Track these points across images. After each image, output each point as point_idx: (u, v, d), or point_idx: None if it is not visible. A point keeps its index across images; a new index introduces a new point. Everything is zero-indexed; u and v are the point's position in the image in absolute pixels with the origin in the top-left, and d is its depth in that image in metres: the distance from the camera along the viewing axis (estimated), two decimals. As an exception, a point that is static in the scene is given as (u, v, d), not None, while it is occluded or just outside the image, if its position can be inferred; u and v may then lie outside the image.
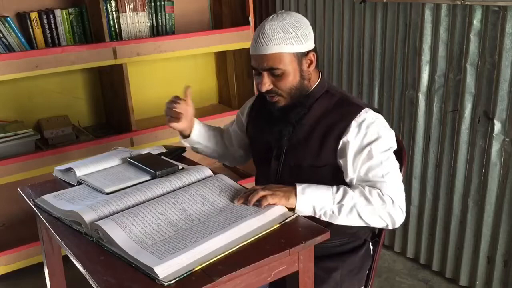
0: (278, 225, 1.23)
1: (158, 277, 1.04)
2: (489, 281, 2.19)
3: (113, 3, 2.54)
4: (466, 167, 2.18)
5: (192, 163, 1.68)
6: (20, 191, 1.55)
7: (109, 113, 2.84)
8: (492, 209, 2.11)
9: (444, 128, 2.23)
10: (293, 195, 1.31)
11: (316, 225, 1.24)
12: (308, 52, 1.42)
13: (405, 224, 2.51)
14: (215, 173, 1.52)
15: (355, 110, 1.42)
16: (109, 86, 2.72)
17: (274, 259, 1.12)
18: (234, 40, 2.74)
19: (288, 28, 1.37)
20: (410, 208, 2.46)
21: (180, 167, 1.58)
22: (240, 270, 1.07)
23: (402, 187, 1.42)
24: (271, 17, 1.41)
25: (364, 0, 2.43)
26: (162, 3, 2.71)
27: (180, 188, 1.41)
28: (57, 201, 1.39)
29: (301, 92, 1.44)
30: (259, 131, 1.58)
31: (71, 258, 1.18)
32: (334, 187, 1.35)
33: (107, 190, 1.43)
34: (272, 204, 1.28)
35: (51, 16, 2.44)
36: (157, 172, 1.52)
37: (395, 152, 1.58)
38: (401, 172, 1.56)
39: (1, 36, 2.33)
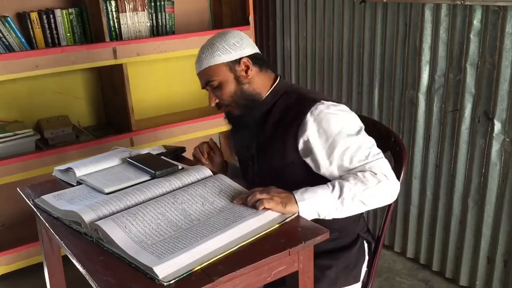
0: (278, 225, 1.23)
1: (158, 277, 1.04)
2: (489, 281, 2.19)
3: (113, 3, 2.54)
4: (466, 167, 2.18)
5: (192, 163, 1.68)
6: (20, 191, 1.55)
7: (109, 113, 2.84)
8: (492, 209, 2.11)
9: (444, 128, 2.23)
10: (292, 202, 1.30)
11: (315, 225, 1.24)
12: (240, 58, 1.48)
13: (405, 224, 2.51)
14: (214, 173, 1.52)
15: (309, 104, 1.43)
16: (109, 86, 2.72)
17: (274, 259, 1.12)
18: (234, 40, 2.73)
19: (214, 43, 1.49)
20: (410, 208, 2.46)
21: (180, 167, 1.58)
22: (240, 270, 1.07)
23: (385, 159, 1.42)
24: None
25: (364, 0, 2.43)
26: (162, 3, 2.71)
27: (180, 188, 1.41)
28: (56, 201, 1.39)
29: (245, 96, 1.49)
30: (234, 140, 1.66)
31: (71, 258, 1.18)
32: (330, 184, 1.35)
33: (106, 190, 1.43)
34: (268, 208, 1.28)
35: (51, 16, 2.44)
36: (157, 172, 1.52)
37: (395, 153, 1.59)
38: (401, 172, 1.56)
39: (1, 36, 2.33)
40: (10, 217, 2.65)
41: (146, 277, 1.05)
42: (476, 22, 2.00)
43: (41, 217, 1.38)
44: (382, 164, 1.39)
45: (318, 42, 2.78)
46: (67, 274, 1.67)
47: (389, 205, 1.55)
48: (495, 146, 2.03)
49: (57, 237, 1.26)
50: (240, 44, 1.49)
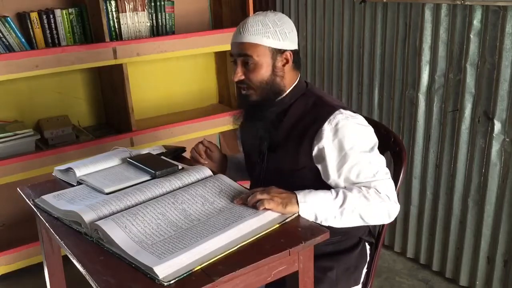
0: (278, 225, 1.23)
1: (158, 277, 1.04)
2: (489, 281, 2.19)
3: (113, 3, 2.54)
4: (466, 167, 2.18)
5: (192, 163, 1.68)
6: (20, 191, 1.55)
7: (109, 113, 2.84)
8: (492, 209, 2.11)
9: (444, 128, 2.23)
10: (293, 203, 1.29)
11: (316, 225, 1.24)
12: (285, 50, 1.44)
13: (405, 224, 2.51)
14: (215, 173, 1.52)
15: (328, 111, 1.41)
16: (109, 86, 2.72)
17: (274, 259, 1.12)
18: (234, 40, 2.73)
19: (267, 22, 1.42)
20: (410, 208, 2.46)
21: (180, 167, 1.58)
22: (240, 270, 1.07)
23: (391, 180, 1.43)
24: (256, 13, 1.47)
25: (364, 0, 2.43)
26: (162, 3, 2.71)
27: (180, 188, 1.41)
28: (56, 201, 1.39)
29: (272, 88, 1.45)
30: (243, 132, 1.63)
31: (71, 258, 1.18)
32: (334, 192, 1.34)
33: (106, 190, 1.43)
34: (268, 209, 1.27)
35: (51, 16, 2.44)
36: (157, 172, 1.52)
37: (395, 153, 1.58)
38: (401, 172, 1.56)
39: (1, 36, 2.33)
40: (10, 217, 2.65)
41: (146, 277, 1.05)
42: (476, 22, 2.00)
43: (41, 217, 1.38)
44: (387, 185, 1.39)
45: (318, 42, 2.78)
46: (67, 274, 1.67)
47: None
48: (495, 146, 2.03)
49: (57, 237, 1.26)
50: (291, 36, 1.45)
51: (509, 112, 1.97)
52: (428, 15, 2.17)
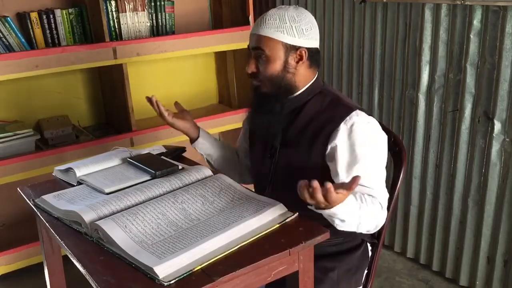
0: (278, 225, 1.23)
1: (158, 277, 1.04)
2: (489, 281, 2.19)
3: (113, 3, 2.54)
4: (466, 167, 2.18)
5: (192, 163, 1.68)
6: (20, 191, 1.55)
7: (109, 113, 2.84)
8: (492, 209, 2.11)
9: (444, 128, 2.23)
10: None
11: (316, 224, 1.24)
12: (300, 47, 1.43)
13: (405, 224, 2.51)
14: (215, 173, 1.52)
15: (345, 111, 1.41)
16: (109, 86, 2.72)
17: (274, 259, 1.12)
18: (234, 40, 2.74)
19: (285, 17, 1.41)
20: (410, 208, 2.46)
21: (180, 167, 1.58)
22: (240, 270, 1.07)
23: (387, 194, 1.44)
24: (278, 6, 1.45)
25: (364, 0, 2.43)
26: (162, 3, 2.71)
27: (180, 188, 1.41)
28: (57, 201, 1.39)
29: (282, 84, 1.44)
30: (254, 125, 1.60)
31: (71, 258, 1.18)
32: (354, 197, 1.30)
33: (107, 190, 1.43)
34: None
35: (51, 16, 2.44)
36: (157, 172, 1.52)
37: (395, 153, 1.58)
38: (401, 172, 1.56)
39: (1, 36, 2.33)
40: (10, 217, 2.65)
41: (146, 277, 1.05)
42: (476, 22, 2.00)
43: (41, 217, 1.38)
44: (384, 194, 1.40)
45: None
46: (67, 274, 1.67)
47: (389, 205, 1.54)
48: (495, 146, 2.03)
49: (58, 237, 1.26)
50: (308, 34, 1.44)
51: (509, 112, 1.97)
52: (428, 15, 2.17)
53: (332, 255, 1.49)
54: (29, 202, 1.47)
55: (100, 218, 1.23)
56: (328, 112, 1.44)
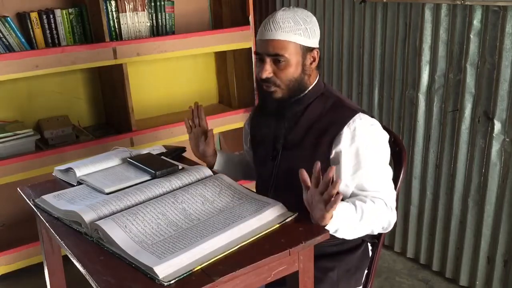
0: (278, 225, 1.23)
1: (158, 277, 1.04)
2: (489, 281, 2.19)
3: (113, 3, 2.54)
4: (466, 167, 2.18)
5: (192, 163, 1.68)
6: (20, 191, 1.55)
7: (109, 113, 2.84)
8: (492, 209, 2.11)
9: (444, 128, 2.23)
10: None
11: (316, 225, 1.24)
12: (313, 48, 1.43)
13: (405, 224, 2.51)
14: (215, 173, 1.52)
15: (348, 115, 1.41)
16: (109, 86, 2.72)
17: (274, 259, 1.12)
18: (234, 40, 2.74)
19: (298, 19, 1.39)
20: (410, 208, 2.46)
21: (180, 167, 1.58)
22: (240, 270, 1.07)
23: (395, 192, 1.46)
24: (282, 8, 1.43)
25: (364, 0, 2.43)
26: (162, 3, 2.71)
27: (180, 188, 1.41)
28: (57, 201, 1.39)
29: (299, 87, 1.44)
30: (259, 132, 1.59)
31: (71, 258, 1.19)
32: (353, 206, 1.31)
33: (107, 190, 1.43)
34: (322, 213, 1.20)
35: (51, 16, 2.44)
36: (157, 172, 1.52)
37: (395, 153, 1.58)
38: (401, 172, 1.57)
39: (1, 36, 2.33)
40: (10, 217, 2.65)
41: (146, 277, 1.05)
42: (476, 22, 2.00)
43: (41, 217, 1.38)
44: (392, 196, 1.41)
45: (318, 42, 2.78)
46: (67, 274, 1.67)
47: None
48: (495, 146, 2.03)
49: (58, 237, 1.26)
50: (317, 34, 1.44)
51: (509, 112, 1.97)
52: (428, 15, 2.17)
53: (332, 255, 1.49)
54: (29, 202, 1.47)
55: (100, 218, 1.23)
56: (331, 114, 1.44)
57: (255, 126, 1.64)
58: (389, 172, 1.44)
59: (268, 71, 1.40)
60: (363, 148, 1.38)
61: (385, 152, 1.44)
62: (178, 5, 2.84)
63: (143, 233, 1.18)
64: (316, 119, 1.45)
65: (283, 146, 1.49)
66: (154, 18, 2.71)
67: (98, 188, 1.46)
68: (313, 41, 1.43)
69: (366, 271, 1.57)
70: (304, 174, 1.20)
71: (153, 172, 1.52)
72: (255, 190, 1.59)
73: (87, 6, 2.53)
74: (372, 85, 2.52)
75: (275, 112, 1.47)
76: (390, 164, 1.48)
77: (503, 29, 1.91)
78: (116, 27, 2.59)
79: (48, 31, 2.45)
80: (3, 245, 2.40)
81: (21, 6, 2.47)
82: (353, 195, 1.40)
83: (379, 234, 1.60)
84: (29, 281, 2.43)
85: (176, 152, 1.76)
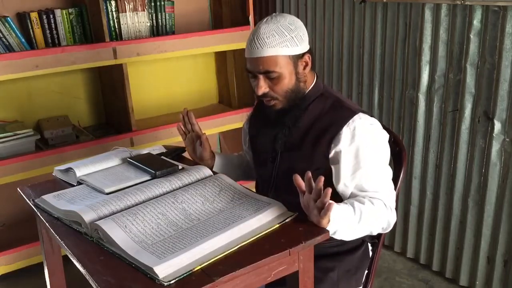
0: (278, 225, 1.23)
1: (158, 277, 1.04)
2: (489, 281, 2.19)
3: (113, 3, 2.54)
4: (466, 167, 2.18)
5: (192, 163, 1.68)
6: (20, 191, 1.55)
7: (109, 113, 2.84)
8: (492, 209, 2.11)
9: (444, 128, 2.23)
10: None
11: (316, 224, 1.24)
12: (304, 54, 1.42)
13: (405, 224, 2.51)
14: (215, 173, 1.52)
15: (348, 115, 1.41)
16: (109, 86, 2.72)
17: (274, 259, 1.12)
18: (234, 40, 2.74)
19: (282, 30, 1.37)
20: (410, 208, 2.46)
21: (180, 167, 1.58)
22: (240, 270, 1.07)
23: (394, 192, 1.46)
24: (265, 19, 1.41)
25: (364, 0, 2.43)
26: (162, 3, 2.71)
27: (180, 188, 1.41)
28: (57, 201, 1.39)
29: (297, 95, 1.44)
30: (258, 133, 1.60)
31: (71, 258, 1.18)
32: (351, 207, 1.31)
33: (107, 190, 1.43)
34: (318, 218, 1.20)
35: (51, 16, 2.44)
36: (157, 172, 1.52)
37: (395, 153, 1.58)
38: (401, 172, 1.57)
39: (1, 36, 2.33)
40: (10, 217, 2.65)
41: (146, 277, 1.05)
42: (476, 22, 2.00)
43: (41, 217, 1.38)
44: (391, 197, 1.41)
45: (318, 42, 2.78)
46: (67, 274, 1.67)
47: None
48: (495, 146, 2.03)
49: (58, 237, 1.26)
50: (305, 37, 1.42)
51: (509, 112, 1.97)
52: (428, 15, 2.17)
53: (332, 255, 1.49)
54: (29, 202, 1.47)
55: (100, 218, 1.23)
56: (330, 115, 1.44)
57: (254, 127, 1.64)
58: (389, 172, 1.44)
59: (262, 88, 1.40)
60: (362, 148, 1.38)
61: (385, 152, 1.44)
62: (178, 5, 2.84)
63: (143, 233, 1.18)
64: (315, 119, 1.45)
65: (282, 148, 1.49)
66: (154, 18, 2.71)
67: (98, 188, 1.46)
68: (302, 47, 1.41)
69: (366, 271, 1.57)
70: (298, 179, 1.20)
71: (153, 172, 1.52)
72: (255, 190, 1.60)
73: (87, 6, 2.53)
74: (372, 85, 2.52)
75: (278, 121, 1.48)
76: (390, 164, 1.48)
77: (503, 29, 1.91)
78: (116, 27, 2.59)
79: (48, 31, 2.45)
80: (3, 245, 2.40)
81: (21, 6, 2.47)
82: (352, 195, 1.40)
83: (379, 234, 1.60)
84: (29, 281, 2.43)
85: (176, 152, 1.76)
